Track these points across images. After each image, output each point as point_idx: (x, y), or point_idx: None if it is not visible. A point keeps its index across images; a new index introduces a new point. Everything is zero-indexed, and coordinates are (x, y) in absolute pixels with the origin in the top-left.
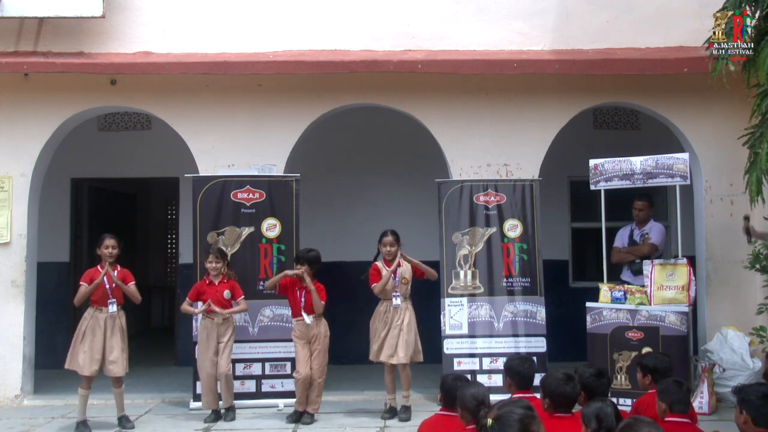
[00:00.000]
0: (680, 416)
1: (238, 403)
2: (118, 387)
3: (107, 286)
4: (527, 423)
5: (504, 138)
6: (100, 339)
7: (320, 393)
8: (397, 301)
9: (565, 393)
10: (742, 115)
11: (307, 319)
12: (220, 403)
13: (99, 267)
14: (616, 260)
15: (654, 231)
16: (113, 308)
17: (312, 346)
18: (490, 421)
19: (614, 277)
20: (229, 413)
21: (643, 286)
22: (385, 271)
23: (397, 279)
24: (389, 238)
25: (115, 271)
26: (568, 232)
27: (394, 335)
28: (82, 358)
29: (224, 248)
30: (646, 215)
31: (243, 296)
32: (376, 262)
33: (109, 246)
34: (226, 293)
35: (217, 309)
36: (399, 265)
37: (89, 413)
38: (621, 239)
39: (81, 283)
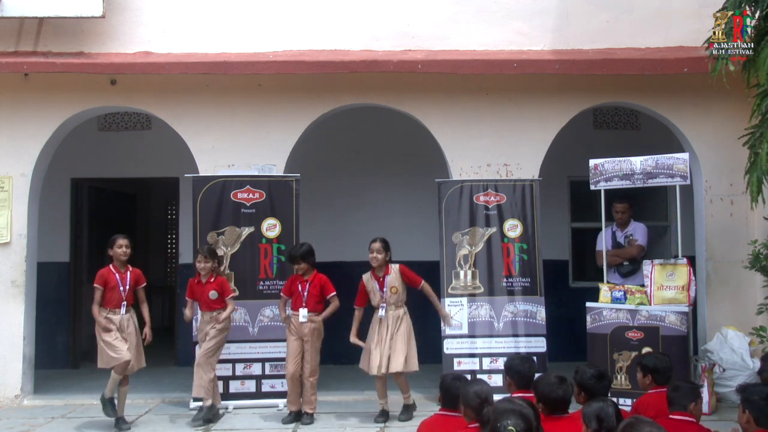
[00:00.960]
0: (683, 414)
1: (238, 403)
2: (125, 386)
3: (121, 289)
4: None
5: (504, 138)
6: (114, 335)
7: (314, 392)
8: (381, 312)
9: (558, 397)
10: (742, 115)
11: (302, 316)
12: (222, 402)
13: (111, 267)
14: (601, 263)
15: (638, 232)
16: (124, 311)
17: (304, 344)
18: (513, 429)
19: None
20: (207, 410)
21: (643, 285)
22: (372, 283)
23: (384, 290)
24: (377, 245)
25: (128, 272)
26: (568, 232)
27: (386, 345)
28: (122, 347)
29: (224, 248)
30: (628, 217)
31: (232, 294)
32: (363, 277)
33: (122, 246)
34: (212, 294)
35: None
36: (387, 273)
37: (90, 413)
38: (603, 242)
39: (95, 285)
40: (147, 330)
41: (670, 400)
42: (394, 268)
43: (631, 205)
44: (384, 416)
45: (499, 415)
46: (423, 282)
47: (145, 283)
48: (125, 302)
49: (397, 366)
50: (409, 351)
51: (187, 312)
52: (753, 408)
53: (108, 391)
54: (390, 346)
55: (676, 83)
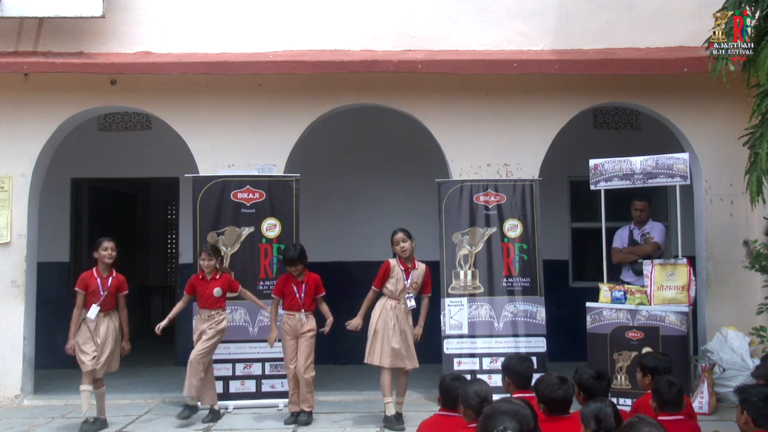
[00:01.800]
0: (672, 414)
1: (238, 403)
2: (100, 387)
3: (102, 293)
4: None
5: (504, 138)
6: (88, 342)
7: (311, 390)
8: (412, 303)
9: (559, 397)
10: (742, 115)
11: (303, 317)
12: (220, 403)
13: (94, 270)
14: (618, 261)
15: (655, 230)
16: (92, 314)
17: (299, 341)
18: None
19: (614, 277)
20: (185, 410)
21: (644, 286)
22: (399, 270)
23: (408, 281)
24: (400, 235)
25: (110, 277)
26: (568, 232)
27: (405, 339)
28: (86, 358)
29: (224, 248)
30: (646, 215)
31: (240, 287)
32: (390, 260)
33: (108, 248)
34: (217, 291)
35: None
36: (414, 267)
37: (90, 413)
38: (620, 240)
39: (77, 289)
40: (125, 343)
41: (663, 401)
42: (422, 266)
43: (650, 204)
44: (400, 419)
45: (494, 417)
46: (430, 294)
47: (126, 291)
48: (99, 306)
49: (416, 362)
50: None
51: (177, 307)
52: (751, 409)
53: (84, 410)
54: (409, 340)
55: (676, 83)
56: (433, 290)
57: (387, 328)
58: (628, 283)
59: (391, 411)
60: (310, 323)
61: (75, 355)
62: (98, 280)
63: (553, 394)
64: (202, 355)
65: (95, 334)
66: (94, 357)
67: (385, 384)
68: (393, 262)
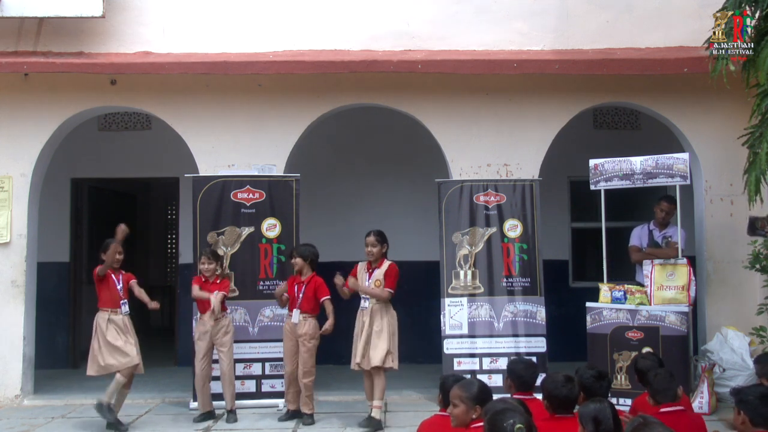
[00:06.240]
0: (671, 406)
1: (238, 403)
2: (128, 388)
3: (119, 287)
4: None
5: (504, 138)
6: (121, 338)
7: (310, 393)
8: (365, 304)
9: (562, 395)
10: (742, 115)
11: (295, 317)
12: (219, 403)
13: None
14: (636, 260)
15: (679, 236)
16: (126, 308)
17: (299, 345)
18: (519, 425)
19: (616, 277)
20: (231, 415)
21: (643, 285)
22: (362, 273)
23: (370, 280)
24: (371, 238)
25: (120, 276)
26: (568, 232)
27: (365, 339)
28: (112, 360)
29: (224, 248)
30: (670, 218)
31: (225, 292)
32: (360, 263)
33: (116, 252)
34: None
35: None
36: (379, 266)
37: (90, 413)
38: (639, 239)
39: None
40: (153, 304)
41: (657, 391)
42: (386, 264)
43: (675, 207)
44: (371, 422)
45: (500, 415)
46: (392, 291)
47: (135, 279)
48: (125, 299)
49: (375, 360)
50: (390, 347)
51: (198, 293)
52: (748, 408)
53: (108, 396)
54: (370, 340)
55: (676, 83)
56: (432, 284)
57: (356, 333)
58: (640, 284)
59: (374, 413)
60: (307, 326)
61: (97, 358)
62: (113, 276)
63: (556, 391)
64: (231, 368)
65: (125, 331)
66: (135, 346)
67: (364, 387)
68: (361, 265)
